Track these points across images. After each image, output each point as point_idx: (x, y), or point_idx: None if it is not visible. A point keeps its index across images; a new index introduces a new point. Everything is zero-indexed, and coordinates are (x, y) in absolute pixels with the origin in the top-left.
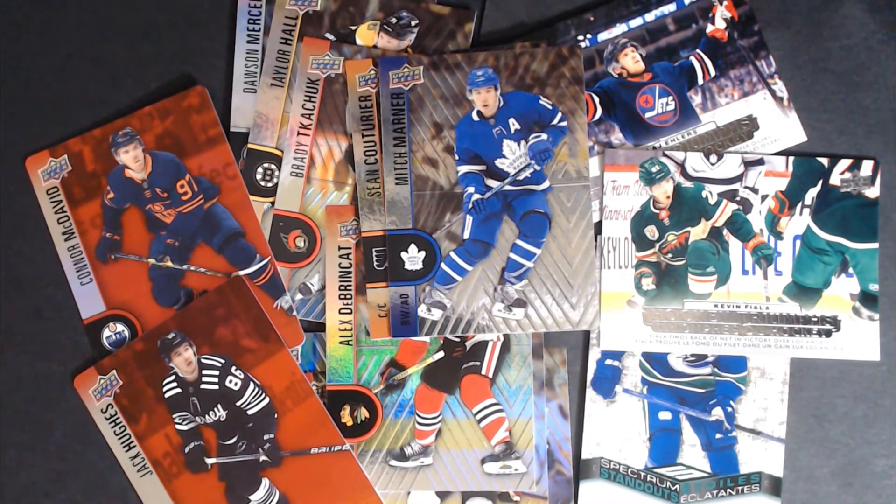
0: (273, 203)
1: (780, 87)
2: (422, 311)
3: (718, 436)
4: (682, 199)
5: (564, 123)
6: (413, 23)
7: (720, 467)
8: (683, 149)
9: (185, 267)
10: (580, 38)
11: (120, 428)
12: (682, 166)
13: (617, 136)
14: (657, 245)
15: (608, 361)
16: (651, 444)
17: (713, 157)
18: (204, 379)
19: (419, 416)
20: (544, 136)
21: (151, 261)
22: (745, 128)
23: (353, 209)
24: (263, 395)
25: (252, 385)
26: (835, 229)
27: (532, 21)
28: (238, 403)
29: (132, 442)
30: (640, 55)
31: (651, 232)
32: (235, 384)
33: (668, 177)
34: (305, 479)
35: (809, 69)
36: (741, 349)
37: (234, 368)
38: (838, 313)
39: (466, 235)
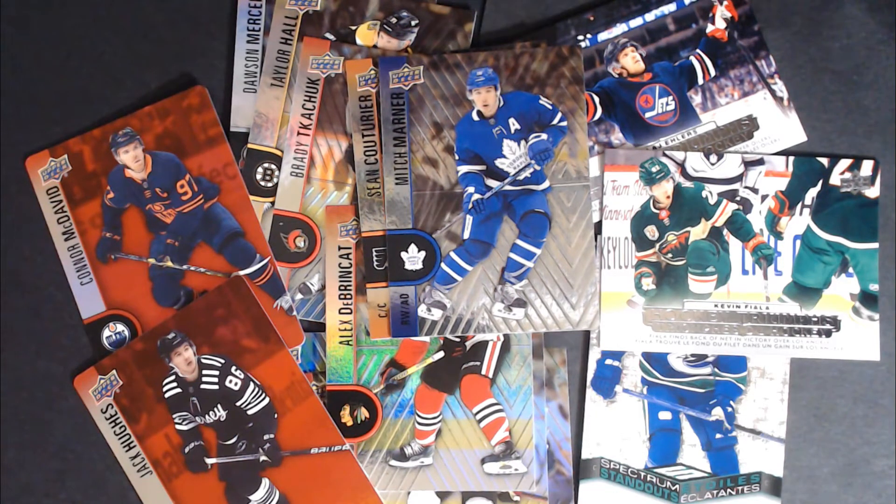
0: (273, 203)
1: (780, 87)
2: (422, 311)
3: (718, 436)
4: (682, 199)
5: (564, 123)
6: (413, 23)
7: (720, 467)
8: (683, 149)
9: (185, 267)
10: (580, 38)
11: (120, 428)
12: (682, 166)
13: (617, 136)
14: (657, 245)
15: (608, 361)
16: (651, 444)
17: (713, 157)
18: (204, 379)
19: (419, 416)
20: (544, 136)
21: (151, 261)
22: (745, 128)
23: (353, 209)
24: (263, 395)
25: (252, 385)
26: (835, 229)
27: (532, 21)
28: (238, 403)
29: (132, 442)
30: (640, 55)
31: (651, 232)
32: (235, 384)
33: (668, 177)
34: (305, 479)
35: (809, 69)
36: (741, 349)
37: (234, 368)
38: (838, 313)
39: (466, 235)
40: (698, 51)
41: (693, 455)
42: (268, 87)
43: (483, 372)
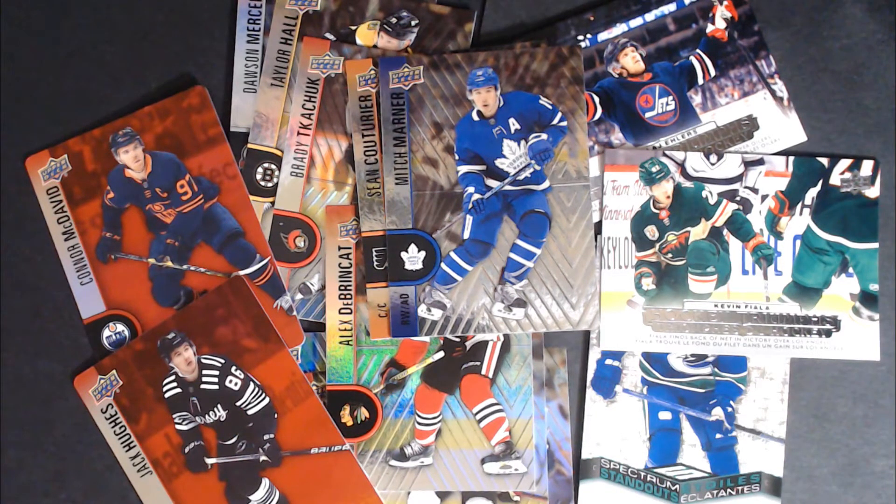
0: (273, 203)
1: (780, 87)
2: (422, 310)
3: (718, 436)
4: (682, 199)
5: (564, 123)
6: (413, 23)
7: (720, 467)
8: (683, 149)
9: (185, 267)
10: (580, 38)
11: (120, 428)
12: (682, 166)
13: (617, 136)
14: (657, 245)
15: (608, 361)
16: (651, 444)
17: (713, 157)
18: (204, 379)
19: (419, 416)
20: (544, 136)
21: (151, 261)
22: (745, 128)
23: (353, 209)
24: (263, 395)
25: (252, 385)
26: (835, 229)
27: (532, 21)
28: (238, 403)
29: (132, 442)
30: (640, 55)
31: (651, 232)
32: (235, 384)
33: (668, 177)
34: (305, 479)
35: (809, 69)
36: (741, 349)
37: (234, 368)
38: (838, 313)
39: (466, 235)
40: (698, 51)
41: (693, 455)
42: (268, 87)
43: (483, 372)
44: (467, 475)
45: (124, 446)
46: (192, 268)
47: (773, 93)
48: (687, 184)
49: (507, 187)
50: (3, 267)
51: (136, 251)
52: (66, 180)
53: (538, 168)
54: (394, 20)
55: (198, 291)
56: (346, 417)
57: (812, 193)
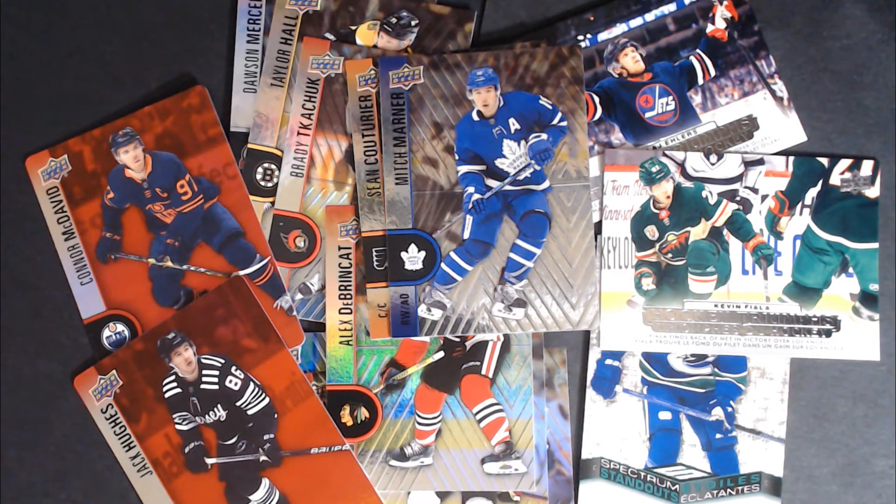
0: (273, 203)
1: (780, 87)
2: (422, 311)
3: (718, 436)
4: (682, 199)
5: (564, 123)
6: (413, 23)
7: (720, 467)
8: (683, 149)
9: (185, 267)
10: (580, 38)
11: (120, 428)
12: (682, 166)
13: (617, 136)
14: (657, 245)
15: (608, 361)
16: (651, 444)
17: (713, 157)
18: (204, 379)
19: (419, 416)
20: (544, 136)
21: (151, 261)
22: (745, 128)
23: (353, 209)
24: (263, 395)
25: (252, 385)
26: (835, 229)
27: (532, 21)
28: (238, 403)
29: (132, 442)
30: (640, 55)
31: (651, 232)
32: (235, 384)
33: (668, 177)
34: (305, 479)
35: (809, 69)
36: (741, 349)
37: (234, 368)
38: (838, 313)
39: (466, 235)
40: (698, 51)
41: (693, 455)
42: (268, 87)
43: (483, 372)
44: (467, 475)
45: (124, 446)
46: (192, 268)
47: (773, 93)
48: (687, 184)
49: (507, 187)
50: (3, 267)
51: (136, 251)
52: (66, 180)
53: (538, 168)
54: (394, 20)
55: (198, 291)
56: (346, 417)
57: (812, 193)
